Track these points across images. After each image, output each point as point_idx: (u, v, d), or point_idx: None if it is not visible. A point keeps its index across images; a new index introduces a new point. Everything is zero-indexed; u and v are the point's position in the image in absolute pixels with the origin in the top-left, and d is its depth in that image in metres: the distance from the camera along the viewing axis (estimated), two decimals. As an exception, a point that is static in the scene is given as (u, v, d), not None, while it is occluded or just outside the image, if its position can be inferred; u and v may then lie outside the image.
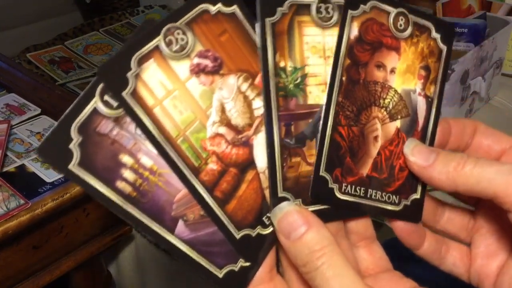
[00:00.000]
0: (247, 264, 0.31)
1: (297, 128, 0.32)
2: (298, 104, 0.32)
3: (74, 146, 0.27)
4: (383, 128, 0.34)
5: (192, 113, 0.30)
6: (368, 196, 0.33)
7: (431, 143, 0.36)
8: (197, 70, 0.30)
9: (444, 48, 0.36)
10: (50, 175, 0.75)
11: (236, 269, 0.31)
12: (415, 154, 0.33)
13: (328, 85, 0.32)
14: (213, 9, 0.30)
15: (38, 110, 0.91)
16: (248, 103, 0.31)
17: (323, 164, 0.32)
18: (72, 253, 0.79)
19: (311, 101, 0.32)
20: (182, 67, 0.29)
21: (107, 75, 0.27)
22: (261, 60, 0.31)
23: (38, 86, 0.96)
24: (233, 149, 0.31)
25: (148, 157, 0.29)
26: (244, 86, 0.31)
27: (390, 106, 0.34)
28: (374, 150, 0.34)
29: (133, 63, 0.28)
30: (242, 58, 0.31)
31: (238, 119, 0.31)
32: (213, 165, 0.30)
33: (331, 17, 0.32)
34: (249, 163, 0.31)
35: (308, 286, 0.32)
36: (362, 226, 0.35)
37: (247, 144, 0.31)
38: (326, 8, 0.32)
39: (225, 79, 0.30)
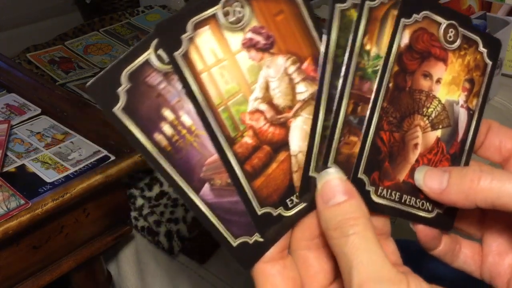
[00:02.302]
0: (262, 240, 0.32)
1: (363, 110, 0.33)
2: (370, 89, 0.33)
3: (122, 91, 0.28)
4: (423, 137, 0.35)
5: (237, 85, 0.30)
6: (403, 201, 0.34)
7: (469, 155, 0.37)
8: (249, 45, 0.30)
9: (489, 63, 0.36)
10: (50, 175, 0.75)
11: (250, 242, 0.31)
12: (427, 182, 0.33)
13: (374, 90, 0.33)
14: None
15: (38, 110, 0.91)
16: (292, 86, 0.32)
17: (362, 166, 0.33)
18: (72, 253, 0.79)
19: None
20: (235, 39, 0.30)
21: (164, 33, 0.28)
22: (351, 36, 0.31)
23: (38, 86, 0.96)
24: (270, 128, 0.31)
25: (189, 116, 0.30)
26: (292, 69, 0.32)
27: (433, 116, 0.35)
28: (413, 157, 0.35)
29: (189, 26, 0.29)
30: (294, 41, 0.31)
31: (280, 100, 0.31)
32: (248, 139, 0.31)
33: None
34: (283, 144, 0.32)
35: (316, 269, 0.33)
36: (381, 222, 0.35)
37: (285, 126, 0.32)
38: None
39: (274, 58, 0.31)
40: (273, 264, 0.32)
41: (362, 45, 0.32)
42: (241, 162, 0.31)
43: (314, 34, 0.32)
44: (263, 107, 0.31)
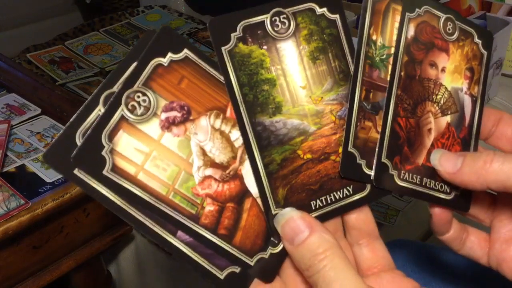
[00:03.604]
0: (251, 263, 0.32)
1: (374, 96, 0.34)
2: (379, 77, 0.34)
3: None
4: (435, 122, 0.37)
5: (176, 166, 0.30)
6: (423, 184, 0.36)
7: (476, 139, 0.39)
8: (168, 125, 0.30)
9: (485, 53, 0.39)
10: (50, 175, 0.75)
11: (237, 270, 0.31)
12: (443, 163, 0.35)
13: (389, 79, 0.35)
14: (164, 60, 0.30)
15: (38, 110, 0.91)
16: (226, 137, 0.32)
17: (385, 151, 0.34)
18: (72, 253, 0.79)
19: (390, 78, 0.35)
20: (153, 127, 0.30)
21: (81, 160, 0.28)
22: (359, 28, 0.33)
23: (38, 86, 0.96)
24: (225, 185, 0.32)
25: None
26: (218, 123, 0.32)
27: (441, 102, 0.37)
28: (428, 141, 0.37)
29: (104, 140, 0.28)
30: (207, 97, 0.31)
31: (221, 156, 0.32)
32: (210, 207, 0.31)
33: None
34: (244, 193, 0.32)
35: (307, 287, 0.32)
36: (362, 221, 0.35)
37: (237, 176, 0.32)
38: None
39: (197, 123, 0.31)
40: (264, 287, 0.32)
41: (369, 35, 0.34)
42: (213, 230, 0.31)
43: (222, 79, 0.32)
44: (209, 171, 0.31)
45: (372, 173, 0.34)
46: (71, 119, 0.28)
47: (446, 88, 0.37)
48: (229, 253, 0.31)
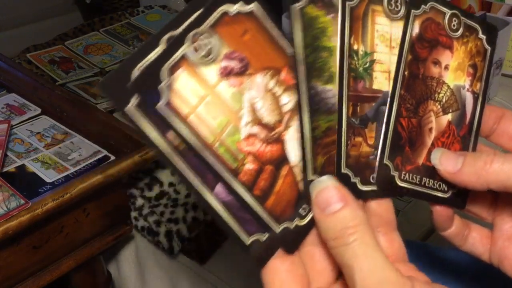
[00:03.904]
0: (274, 235, 0.32)
1: (361, 109, 0.33)
2: (365, 87, 0.33)
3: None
4: (436, 121, 0.36)
5: (225, 116, 0.30)
6: (422, 183, 0.36)
7: (476, 136, 0.39)
8: (226, 73, 0.30)
9: (488, 48, 0.39)
10: (50, 175, 0.75)
11: (262, 240, 0.31)
12: (443, 162, 0.35)
13: (393, 79, 0.34)
14: (232, 10, 0.30)
15: (38, 110, 0.91)
16: (276, 99, 0.32)
17: (387, 153, 0.34)
18: (72, 253, 0.79)
19: (375, 86, 0.34)
20: (211, 72, 0.29)
21: (139, 89, 0.27)
22: (339, 40, 0.32)
23: (38, 86, 0.96)
24: (267, 147, 0.31)
25: None
26: (272, 84, 0.31)
27: (443, 100, 0.37)
28: (429, 140, 0.36)
29: (163, 74, 0.28)
30: (266, 55, 0.31)
31: (269, 117, 0.31)
32: (250, 165, 0.31)
33: (399, 11, 0.34)
34: (283, 159, 0.32)
35: (323, 265, 0.33)
36: (383, 209, 0.35)
37: (279, 140, 0.32)
38: (396, 2, 0.34)
39: (252, 78, 0.31)
40: (282, 261, 0.32)
41: (350, 46, 0.33)
42: (249, 189, 0.31)
43: (282, 42, 0.32)
44: (255, 129, 0.31)
45: (366, 188, 0.34)
46: (130, 55, 0.27)
47: (448, 86, 0.37)
48: (258, 215, 0.31)
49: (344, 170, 0.33)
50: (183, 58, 0.28)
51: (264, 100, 0.31)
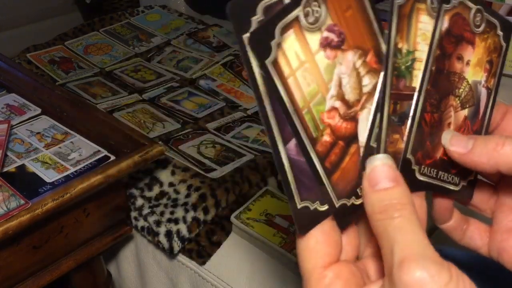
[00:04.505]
0: (322, 208, 0.33)
1: (401, 107, 0.34)
2: (405, 86, 0.34)
3: (255, 20, 0.28)
4: (455, 116, 0.37)
5: (317, 85, 0.31)
6: (438, 177, 0.36)
7: (487, 131, 0.39)
8: (325, 44, 0.31)
9: (504, 45, 0.39)
10: (50, 175, 0.76)
11: (311, 208, 0.32)
12: (454, 143, 0.35)
13: (422, 74, 0.34)
14: None
15: (38, 110, 0.91)
16: (359, 79, 0.33)
17: (410, 147, 0.34)
18: (72, 253, 0.79)
19: (414, 84, 0.34)
20: (314, 40, 0.30)
21: (256, 40, 0.29)
22: (387, 38, 0.33)
23: (38, 86, 0.96)
24: (344, 123, 0.33)
25: None
26: (359, 63, 0.32)
27: (462, 96, 0.37)
28: None
29: (277, 31, 0.29)
30: (359, 35, 0.32)
31: (350, 94, 0.32)
32: (327, 137, 0.32)
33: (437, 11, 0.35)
34: (354, 137, 0.33)
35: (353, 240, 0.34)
36: (418, 206, 0.35)
37: (354, 119, 0.33)
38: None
39: (345, 54, 0.32)
40: (322, 232, 0.33)
41: (396, 44, 0.33)
42: (322, 160, 0.32)
43: (375, 26, 0.33)
44: (337, 104, 0.32)
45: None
46: (274, 13, 0.29)
47: (468, 81, 0.37)
48: (325, 186, 0.32)
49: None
50: (295, 20, 0.30)
51: (350, 77, 0.32)
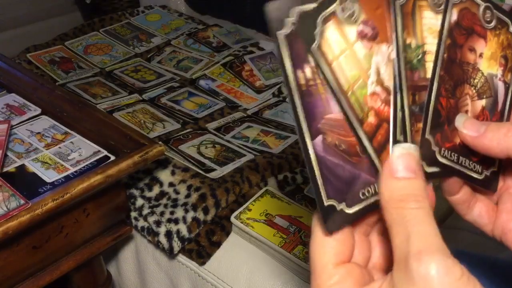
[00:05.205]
0: (347, 211, 0.34)
1: (420, 98, 0.37)
2: (420, 77, 0.37)
3: (289, 21, 0.32)
4: (472, 105, 0.39)
5: (358, 71, 0.34)
6: (460, 162, 0.38)
7: None
8: (361, 36, 0.35)
9: None
10: (50, 175, 0.76)
11: (337, 208, 0.33)
12: (467, 127, 0.37)
13: (433, 60, 0.37)
14: None
15: (38, 110, 0.91)
16: (392, 70, 0.36)
17: (428, 128, 0.36)
18: (72, 253, 0.79)
19: (428, 75, 0.37)
20: (351, 31, 0.34)
21: (302, 27, 0.32)
22: (395, 36, 0.36)
23: (38, 86, 0.96)
24: (385, 107, 0.35)
25: None
26: (392, 55, 0.36)
27: (478, 86, 0.39)
28: None
29: (319, 21, 0.33)
30: (387, 31, 0.36)
31: (388, 82, 0.36)
32: (372, 118, 0.35)
33: (441, 4, 0.38)
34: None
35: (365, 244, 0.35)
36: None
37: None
38: None
39: (379, 46, 0.35)
40: (344, 232, 0.33)
41: (404, 40, 0.36)
42: (370, 139, 0.34)
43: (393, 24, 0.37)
44: (378, 89, 0.35)
45: (431, 169, 0.36)
46: (313, 8, 0.32)
47: (482, 73, 0.39)
48: (374, 162, 0.34)
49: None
50: (333, 14, 0.33)
51: (386, 66, 0.35)
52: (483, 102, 0.39)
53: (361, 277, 0.33)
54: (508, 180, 0.40)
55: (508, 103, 0.41)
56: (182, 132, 1.05)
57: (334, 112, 0.33)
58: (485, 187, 0.39)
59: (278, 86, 1.23)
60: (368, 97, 0.35)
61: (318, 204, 0.32)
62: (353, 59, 0.34)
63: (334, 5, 0.33)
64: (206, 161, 0.96)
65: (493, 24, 0.39)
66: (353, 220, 0.34)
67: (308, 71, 0.32)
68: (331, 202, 0.33)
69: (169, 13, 1.54)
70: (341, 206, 0.33)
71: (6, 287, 0.72)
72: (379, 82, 0.35)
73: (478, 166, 0.39)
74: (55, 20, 2.00)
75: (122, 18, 1.50)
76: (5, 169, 0.76)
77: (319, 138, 0.33)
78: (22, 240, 0.70)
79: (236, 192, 0.89)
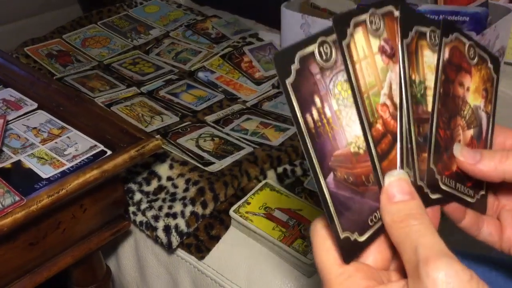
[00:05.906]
0: (360, 239, 0.36)
1: (423, 129, 0.39)
2: (423, 110, 0.40)
3: (293, 68, 0.34)
4: (463, 134, 0.42)
5: (374, 79, 0.37)
6: (457, 188, 0.41)
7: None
8: (382, 50, 0.38)
9: (495, 76, 0.46)
10: (46, 171, 0.75)
11: (352, 239, 0.35)
12: (464, 155, 0.40)
13: (433, 95, 0.40)
14: (395, 13, 0.39)
15: (35, 105, 0.91)
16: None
17: (432, 158, 0.39)
18: (69, 249, 0.78)
19: (429, 109, 0.40)
20: (375, 43, 0.37)
21: (340, 27, 0.36)
22: (401, 71, 0.39)
23: (34, 80, 0.95)
24: (392, 120, 0.38)
25: (329, 109, 0.35)
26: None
27: (467, 117, 0.43)
28: None
29: (352, 23, 0.36)
30: (399, 56, 0.39)
31: (396, 98, 0.38)
32: (379, 126, 0.37)
33: (437, 44, 0.41)
34: (395, 138, 0.38)
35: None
36: (431, 215, 0.39)
37: (396, 121, 0.39)
38: (434, 36, 0.41)
39: (394, 65, 0.38)
40: (359, 265, 0.35)
41: (410, 77, 0.39)
42: (375, 144, 0.37)
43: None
44: (388, 102, 0.38)
45: (435, 196, 0.39)
46: (299, 40, 0.34)
47: (470, 105, 0.43)
48: (376, 170, 0.36)
49: (419, 183, 0.39)
50: (363, 22, 0.37)
51: (397, 84, 0.38)
52: (471, 132, 0.43)
53: (371, 273, 0.35)
54: (502, 199, 0.44)
55: (490, 131, 0.44)
56: (181, 125, 1.04)
57: (341, 148, 0.35)
58: (477, 209, 0.42)
59: (277, 77, 1.22)
60: (379, 106, 0.37)
61: (335, 238, 0.34)
62: (373, 67, 0.37)
63: (364, 15, 0.37)
64: (205, 154, 0.95)
65: (475, 60, 0.43)
66: (366, 246, 0.36)
67: (315, 113, 0.34)
68: (346, 234, 0.35)
69: (168, 4, 1.53)
70: (355, 236, 0.35)
71: (3, 284, 0.71)
72: (390, 96, 0.38)
73: (471, 190, 0.42)
74: (54, 13, 1.99)
75: (120, 10, 1.49)
76: (1, 165, 0.76)
77: (331, 176, 0.35)
78: (19, 236, 0.69)
79: (235, 186, 0.89)
